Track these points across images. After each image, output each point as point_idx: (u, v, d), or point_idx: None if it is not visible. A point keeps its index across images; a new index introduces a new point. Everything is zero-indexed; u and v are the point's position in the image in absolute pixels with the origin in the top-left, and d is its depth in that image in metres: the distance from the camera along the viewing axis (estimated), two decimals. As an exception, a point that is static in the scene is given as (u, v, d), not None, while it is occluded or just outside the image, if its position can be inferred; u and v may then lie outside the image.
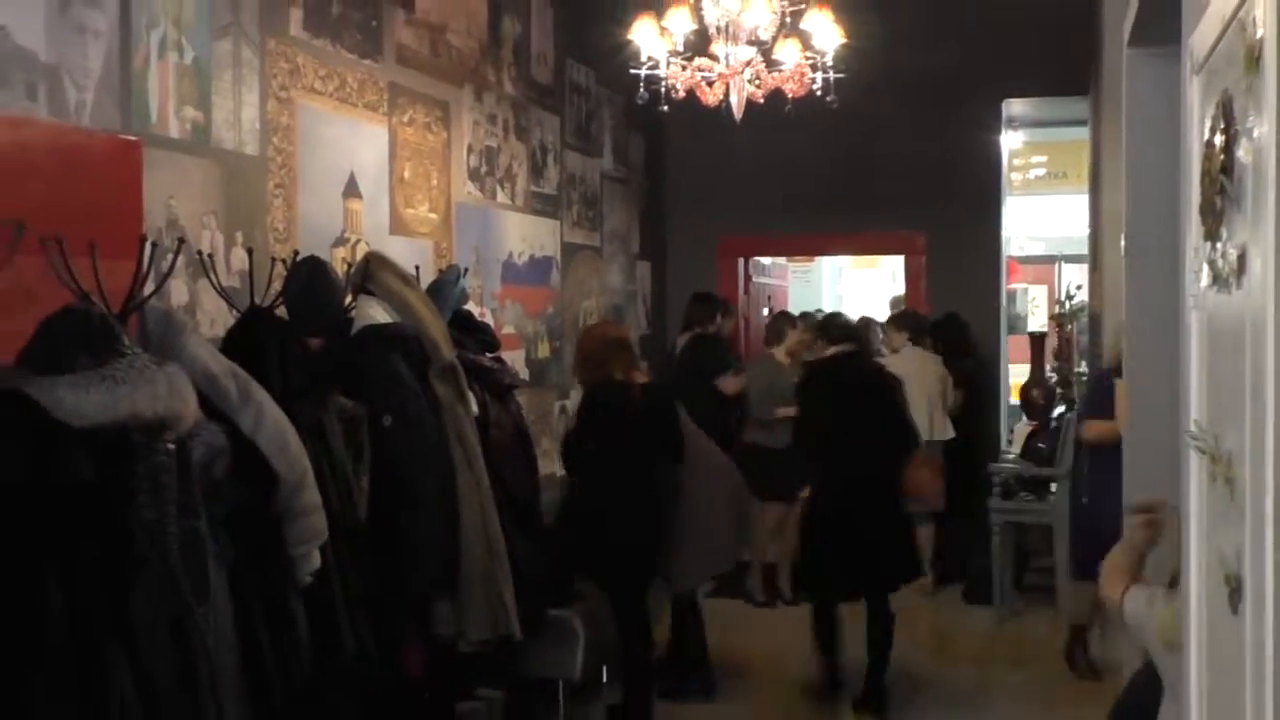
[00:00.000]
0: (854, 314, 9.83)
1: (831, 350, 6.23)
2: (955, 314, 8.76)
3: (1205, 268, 2.18)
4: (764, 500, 7.67)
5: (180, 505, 2.45)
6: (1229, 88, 1.92)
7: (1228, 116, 1.91)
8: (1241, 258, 1.83)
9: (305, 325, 3.62)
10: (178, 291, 3.89)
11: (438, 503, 3.81)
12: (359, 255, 4.44)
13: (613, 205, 8.48)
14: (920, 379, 8.01)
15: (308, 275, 3.76)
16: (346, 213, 5.06)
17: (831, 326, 6.52)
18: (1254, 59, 1.69)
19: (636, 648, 5.35)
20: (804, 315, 8.75)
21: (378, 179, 5.31)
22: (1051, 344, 10.16)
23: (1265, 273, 1.64)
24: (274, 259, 3.96)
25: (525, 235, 6.95)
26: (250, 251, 3.92)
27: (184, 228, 3.95)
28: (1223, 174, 1.94)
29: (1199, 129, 2.24)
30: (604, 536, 5.20)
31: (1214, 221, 2.03)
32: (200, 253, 3.85)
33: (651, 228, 9.31)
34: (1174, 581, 2.74)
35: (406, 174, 5.56)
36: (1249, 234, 1.77)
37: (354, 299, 3.97)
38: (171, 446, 2.45)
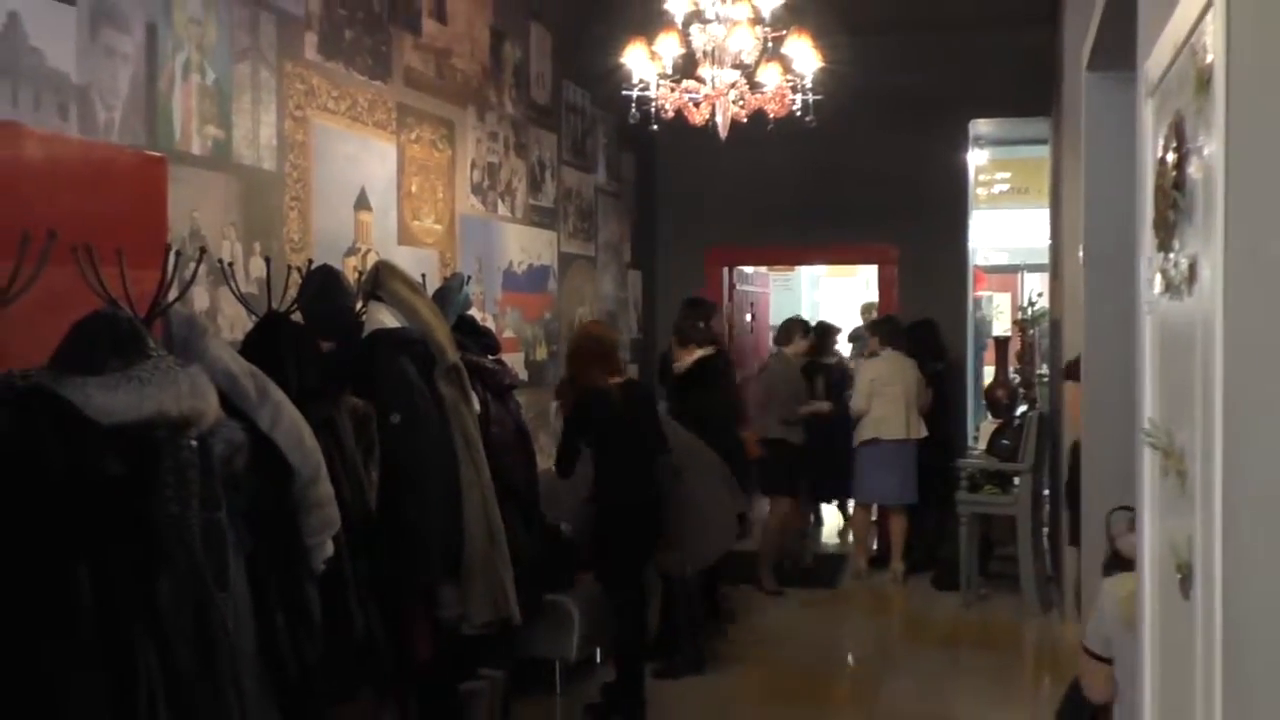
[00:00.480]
0: (832, 319, 9.93)
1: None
2: (929, 319, 8.73)
3: (1158, 276, 2.19)
4: (782, 495, 7.80)
5: (202, 498, 2.44)
6: (1181, 109, 1.93)
7: (1180, 136, 1.91)
8: (1192, 267, 1.83)
9: (319, 329, 3.61)
10: (200, 298, 3.88)
11: (443, 495, 3.80)
12: (369, 264, 4.41)
13: (606, 217, 8.44)
14: (901, 381, 8.02)
15: (321, 282, 3.76)
16: (357, 224, 5.03)
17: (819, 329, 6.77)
18: (1204, 82, 1.70)
19: (630, 630, 5.35)
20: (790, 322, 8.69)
21: (386, 193, 5.29)
22: (1015, 347, 10.18)
23: (1214, 281, 1.64)
24: (290, 267, 3.95)
25: (524, 245, 6.90)
26: (268, 260, 3.91)
27: (205, 238, 3.94)
28: (1175, 189, 1.94)
29: (1153, 147, 2.24)
30: (607, 526, 5.24)
31: (1166, 233, 2.03)
32: (221, 261, 3.84)
33: (642, 239, 9.27)
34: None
35: (414, 188, 5.54)
36: (1199, 245, 1.78)
37: (365, 305, 3.95)
38: (194, 443, 2.44)
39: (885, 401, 7.96)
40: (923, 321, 8.65)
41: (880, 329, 8.41)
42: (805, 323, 8.76)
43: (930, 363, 8.21)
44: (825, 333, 9.13)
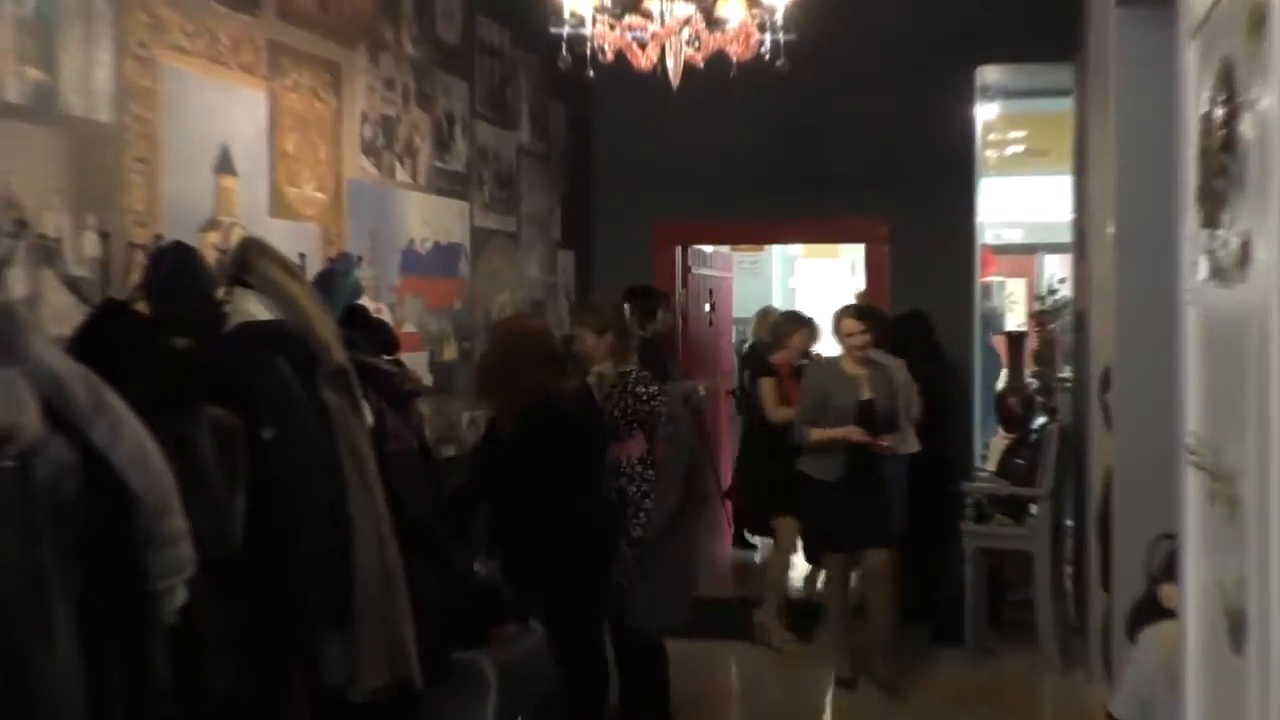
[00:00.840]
0: (808, 310, 9.91)
1: None
2: (918, 311, 8.72)
3: (1204, 258, 2.19)
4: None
5: (20, 532, 2.40)
6: (1230, 54, 1.92)
7: (1229, 86, 1.91)
8: (1245, 246, 1.82)
9: (170, 322, 3.58)
10: (17, 283, 3.81)
11: (326, 528, 3.80)
12: (233, 241, 4.39)
13: (531, 185, 8.45)
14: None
15: (172, 264, 3.73)
16: (218, 191, 5.01)
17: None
18: (1257, 21, 1.69)
19: (584, 694, 5.39)
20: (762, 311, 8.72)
21: (255, 153, 5.26)
22: (1031, 345, 10.25)
23: (1271, 263, 1.63)
24: (132, 245, 3.93)
25: (428, 219, 6.90)
26: (104, 236, 3.89)
27: (24, 208, 3.87)
28: (1223, 152, 1.93)
29: (1196, 100, 2.24)
30: (550, 561, 5.31)
31: (1213, 206, 2.03)
32: (44, 237, 3.77)
33: (576, 211, 9.26)
34: None
35: (290, 147, 5.52)
36: (1253, 219, 1.76)
37: (228, 292, 3.94)
38: (10, 464, 2.41)
39: None
40: (910, 314, 8.68)
41: (866, 323, 8.42)
42: (799, 315, 8.82)
43: (923, 364, 8.24)
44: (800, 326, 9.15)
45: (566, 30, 5.67)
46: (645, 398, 5.94)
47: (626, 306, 6.80)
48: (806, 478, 7.07)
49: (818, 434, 6.95)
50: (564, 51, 5.64)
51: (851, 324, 7.12)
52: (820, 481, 7.01)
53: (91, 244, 4.13)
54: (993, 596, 7.88)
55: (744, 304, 11.77)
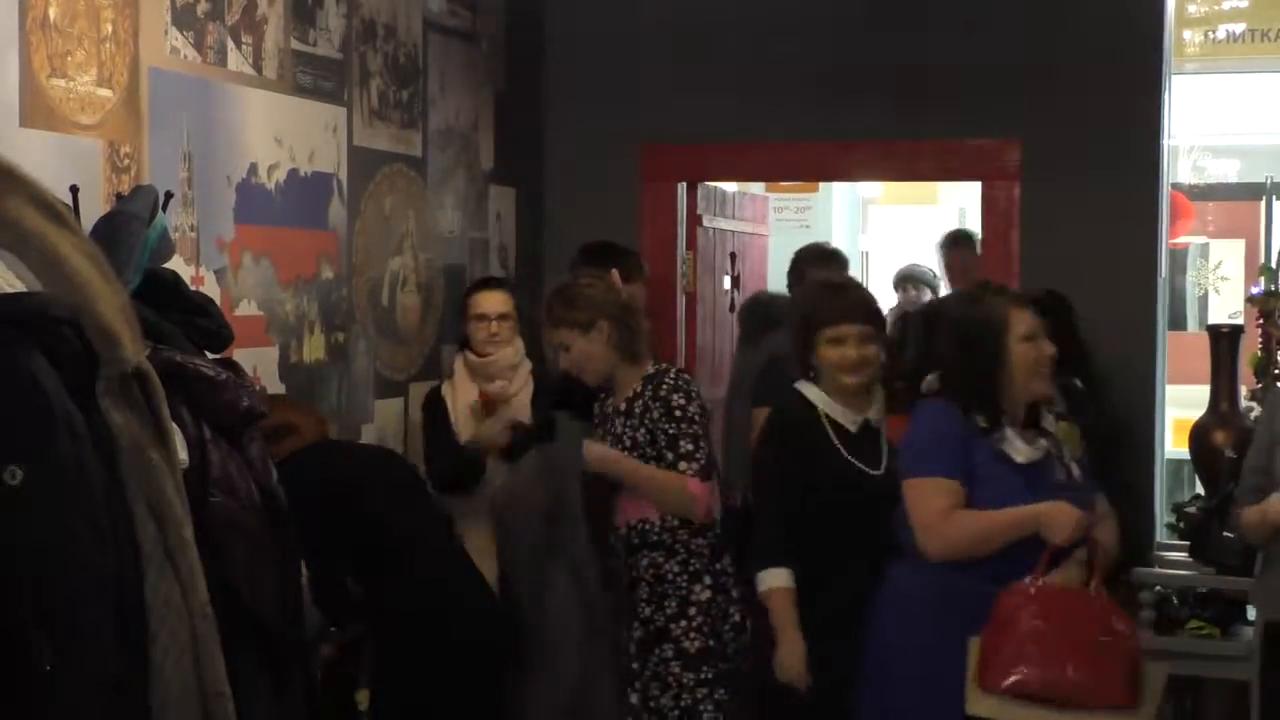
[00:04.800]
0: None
1: None
2: (1055, 293, 6.75)
3: None
4: None
5: None
6: None
7: None
8: None
9: None
10: None
11: (108, 628, 3.41)
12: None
13: (447, 81, 7.17)
14: None
15: None
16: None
17: None
18: None
19: None
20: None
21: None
22: (1248, 345, 8.43)
23: None
24: None
25: (282, 133, 5.87)
26: None
27: None
28: None
29: None
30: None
31: None
32: None
33: (518, 125, 7.82)
34: None
35: (54, 15, 4.71)
36: None
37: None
38: None
39: None
40: (1044, 296, 6.87)
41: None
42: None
43: (1060, 373, 6.64)
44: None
45: None
46: (693, 414, 5.26)
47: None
48: None
49: None
50: None
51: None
52: None
53: None
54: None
55: (780, 276, 9.25)
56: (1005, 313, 4.85)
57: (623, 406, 5.30)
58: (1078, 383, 6.57)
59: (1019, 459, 4.51)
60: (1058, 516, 4.38)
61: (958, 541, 4.62)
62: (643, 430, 5.25)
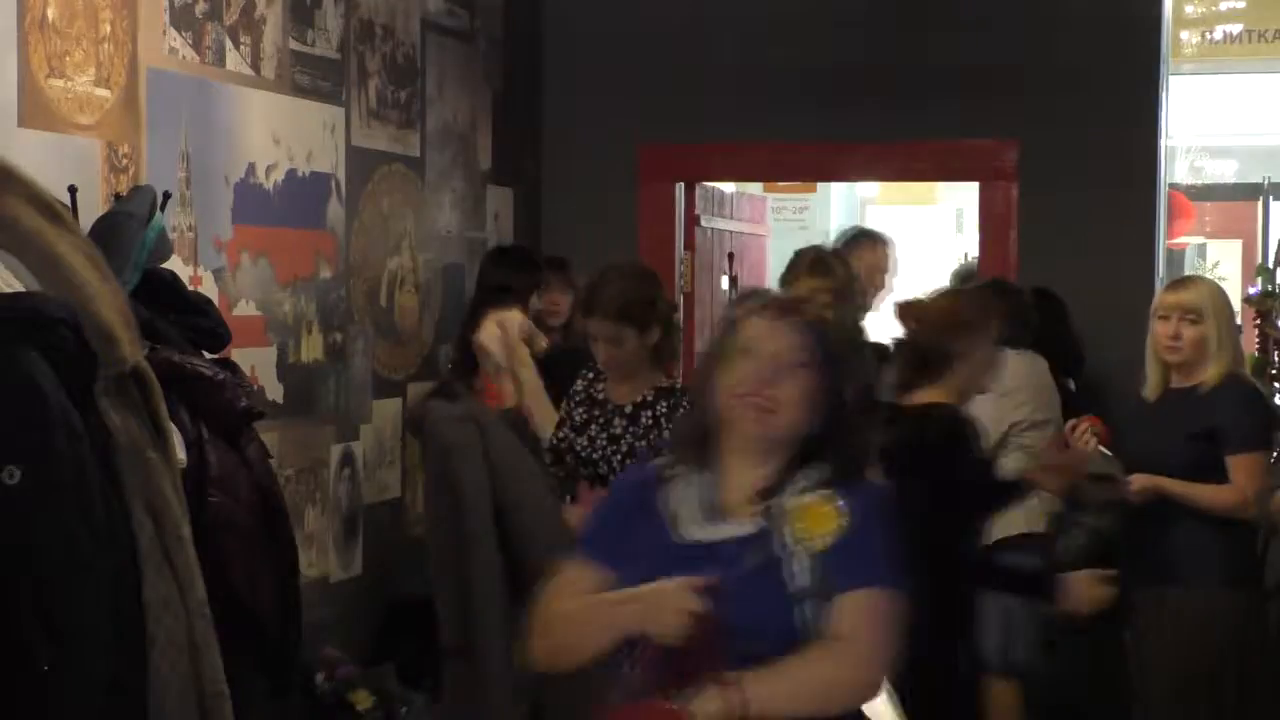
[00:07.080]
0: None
1: None
2: (1045, 291, 7.01)
3: None
4: None
5: None
6: None
7: None
8: None
9: None
10: None
11: (106, 628, 3.42)
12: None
13: (445, 82, 7.26)
14: (1052, 410, 6.40)
15: None
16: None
17: None
18: None
19: None
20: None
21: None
22: (1246, 346, 8.36)
23: None
24: None
25: (280, 133, 5.94)
26: None
27: None
28: None
29: None
30: None
31: None
32: None
33: (516, 125, 7.95)
34: None
35: (53, 16, 4.72)
36: None
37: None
38: None
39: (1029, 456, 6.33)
40: (1036, 294, 6.94)
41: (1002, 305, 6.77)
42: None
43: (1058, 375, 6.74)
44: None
45: None
46: None
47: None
48: None
49: None
50: None
51: None
52: None
53: None
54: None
55: (776, 274, 9.62)
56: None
57: (628, 409, 5.26)
58: (1071, 384, 6.66)
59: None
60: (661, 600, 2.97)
61: None
62: (644, 443, 5.20)
